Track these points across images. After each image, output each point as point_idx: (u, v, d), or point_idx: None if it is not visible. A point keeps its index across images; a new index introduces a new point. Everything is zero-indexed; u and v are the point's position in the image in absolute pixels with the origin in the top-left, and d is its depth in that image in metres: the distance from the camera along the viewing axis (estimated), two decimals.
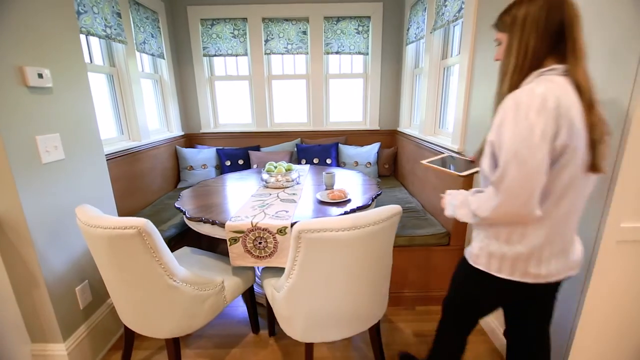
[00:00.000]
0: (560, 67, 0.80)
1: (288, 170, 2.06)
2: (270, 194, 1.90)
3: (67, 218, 1.47)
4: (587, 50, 0.81)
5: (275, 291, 1.34)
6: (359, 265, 1.17)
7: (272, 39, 3.13)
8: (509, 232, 0.89)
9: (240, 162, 3.14)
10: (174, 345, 1.35)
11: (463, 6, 1.82)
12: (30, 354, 1.39)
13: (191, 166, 3.02)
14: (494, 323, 1.69)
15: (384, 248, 1.21)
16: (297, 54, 3.17)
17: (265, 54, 3.17)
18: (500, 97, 0.87)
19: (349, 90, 3.41)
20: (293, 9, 3.03)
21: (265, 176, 2.10)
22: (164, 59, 2.91)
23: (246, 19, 3.06)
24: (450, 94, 2.38)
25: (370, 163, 3.05)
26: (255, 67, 3.19)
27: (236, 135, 3.40)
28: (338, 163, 3.15)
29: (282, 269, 1.54)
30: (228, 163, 3.11)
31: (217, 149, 3.19)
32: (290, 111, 3.46)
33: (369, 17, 3.09)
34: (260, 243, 1.46)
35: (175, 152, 3.04)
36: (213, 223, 1.49)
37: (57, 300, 1.39)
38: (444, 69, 2.34)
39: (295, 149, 3.25)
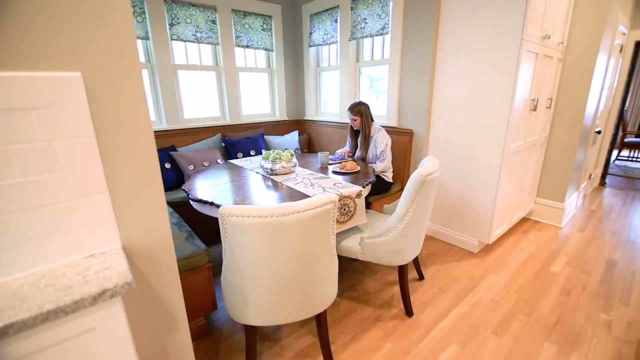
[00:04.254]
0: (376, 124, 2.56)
1: (292, 156, 2.21)
2: (295, 178, 2.04)
3: None
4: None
5: (376, 238, 1.69)
6: (434, 196, 1.76)
7: (179, 23, 2.78)
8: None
9: (167, 165, 2.67)
10: (323, 320, 1.43)
11: (387, 26, 2.62)
12: None
13: None
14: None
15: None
16: (208, 43, 2.99)
17: (172, 39, 2.78)
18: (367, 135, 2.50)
19: (254, 83, 3.55)
20: None
21: (268, 165, 2.16)
22: None
23: None
24: (362, 87, 3.18)
25: (298, 149, 3.42)
26: (160, 55, 2.73)
27: None
28: None
29: (353, 229, 1.86)
30: None
31: None
32: (199, 105, 3.19)
33: (271, 17, 3.36)
34: (344, 209, 1.72)
35: None
36: None
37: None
38: (359, 69, 3.11)
39: (223, 144, 3.10)
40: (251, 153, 3.13)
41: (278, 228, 1.11)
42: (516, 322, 1.75)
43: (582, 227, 2.95)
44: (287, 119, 3.77)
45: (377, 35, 2.74)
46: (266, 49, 3.42)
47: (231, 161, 2.65)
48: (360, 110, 2.40)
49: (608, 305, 1.89)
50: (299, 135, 3.59)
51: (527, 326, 1.72)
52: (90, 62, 0.73)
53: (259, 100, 3.64)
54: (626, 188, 4.19)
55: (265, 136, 3.38)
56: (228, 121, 3.31)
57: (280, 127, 3.70)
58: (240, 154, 3.08)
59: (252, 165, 2.46)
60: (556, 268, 2.27)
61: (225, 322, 1.80)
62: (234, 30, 3.12)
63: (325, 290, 1.36)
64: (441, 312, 1.83)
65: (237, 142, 3.14)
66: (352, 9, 2.89)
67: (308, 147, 3.76)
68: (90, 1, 0.71)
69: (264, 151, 3.23)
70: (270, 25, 3.39)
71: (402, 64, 2.60)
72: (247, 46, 3.26)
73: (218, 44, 3.07)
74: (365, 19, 2.80)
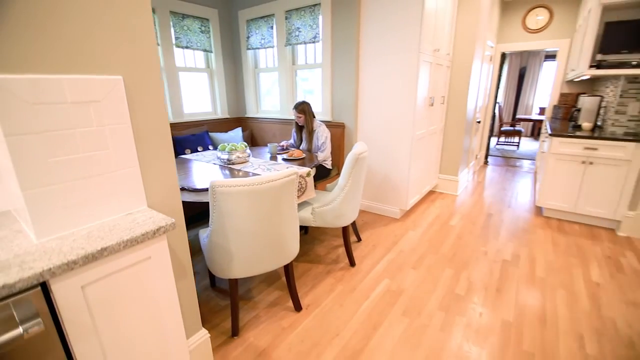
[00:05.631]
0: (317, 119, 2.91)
1: (246, 147, 2.51)
2: (252, 165, 2.36)
3: None
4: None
5: (324, 207, 2.13)
6: (365, 171, 2.27)
7: None
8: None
9: None
10: (290, 268, 1.81)
11: (318, 35, 3.09)
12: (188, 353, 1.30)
13: None
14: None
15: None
16: None
17: None
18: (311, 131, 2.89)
19: (194, 83, 3.68)
20: None
21: (224, 156, 2.43)
22: None
23: None
24: (298, 87, 3.60)
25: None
26: None
27: None
28: (216, 148, 3.49)
29: (304, 204, 2.27)
30: None
31: None
32: None
33: (208, 19, 3.53)
34: (298, 186, 2.12)
35: None
36: None
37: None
38: (295, 71, 3.51)
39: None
40: (198, 149, 3.29)
41: (257, 194, 1.46)
42: (427, 259, 2.39)
43: (471, 194, 3.88)
44: (228, 116, 3.98)
45: (310, 42, 3.19)
46: (205, 50, 3.59)
47: (182, 156, 2.82)
48: (304, 108, 2.81)
49: (485, 241, 2.67)
50: (242, 131, 3.85)
51: (434, 261, 2.37)
52: (128, 69, 0.99)
53: (200, 99, 3.78)
54: (503, 165, 5.47)
55: (210, 133, 3.56)
56: (171, 119, 3.40)
57: (223, 124, 3.90)
58: (188, 151, 3.22)
59: (205, 158, 2.68)
60: (453, 222, 3.04)
61: (200, 293, 2.05)
62: (173, 32, 3.23)
63: (291, 244, 1.75)
64: (376, 260, 2.37)
65: (183, 139, 3.27)
66: (286, 18, 3.28)
67: (251, 142, 4.04)
68: (129, 26, 0.98)
69: (210, 147, 3.44)
70: (209, 27, 3.57)
71: (332, 68, 3.10)
72: (186, 47, 3.40)
73: (158, 45, 3.14)
74: (298, 28, 3.22)
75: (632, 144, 2.64)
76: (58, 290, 0.78)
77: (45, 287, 0.77)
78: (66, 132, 0.88)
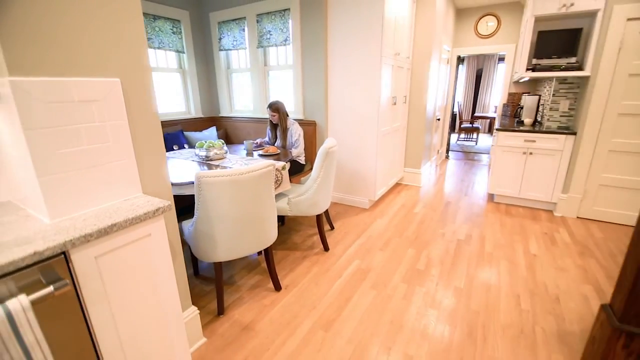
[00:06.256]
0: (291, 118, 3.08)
1: (223, 144, 2.65)
2: (230, 161, 2.51)
3: None
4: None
5: (299, 197, 2.33)
6: (335, 164, 2.50)
7: None
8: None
9: None
10: (270, 252, 1.99)
11: (288, 38, 3.27)
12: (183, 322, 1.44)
13: None
14: None
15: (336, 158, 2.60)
16: None
17: None
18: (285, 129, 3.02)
19: (166, 83, 3.72)
20: None
21: (202, 153, 2.55)
22: None
23: None
24: (271, 87, 3.77)
25: None
26: None
27: None
28: (192, 147, 3.57)
29: (280, 195, 2.46)
30: None
31: None
32: None
33: (180, 21, 3.60)
34: (274, 179, 2.30)
35: None
36: None
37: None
38: (267, 72, 3.67)
39: None
40: (174, 148, 3.36)
41: (238, 184, 1.63)
42: (393, 242, 2.66)
43: (434, 185, 4.25)
44: (202, 116, 4.06)
45: (281, 45, 3.37)
46: (177, 51, 3.66)
47: None
48: (278, 107, 2.99)
49: (444, 225, 3.00)
50: (217, 130, 3.94)
51: (399, 243, 2.64)
52: (124, 72, 1.14)
53: (173, 99, 3.83)
54: (462, 159, 5.95)
55: (184, 132, 3.63)
56: None
57: (197, 124, 3.97)
58: None
59: (183, 156, 2.78)
60: (417, 210, 3.36)
61: None
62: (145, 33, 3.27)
63: (270, 229, 1.93)
64: (347, 245, 2.61)
65: None
66: (257, 21, 3.44)
67: (226, 140, 4.14)
68: (125, 34, 1.12)
69: (186, 145, 3.52)
70: (180, 29, 3.64)
71: (303, 70, 3.30)
72: (158, 48, 3.45)
73: None
74: (269, 31, 3.39)
75: (563, 136, 3.08)
76: (76, 259, 0.92)
77: (64, 258, 0.91)
78: (73, 127, 1.02)
